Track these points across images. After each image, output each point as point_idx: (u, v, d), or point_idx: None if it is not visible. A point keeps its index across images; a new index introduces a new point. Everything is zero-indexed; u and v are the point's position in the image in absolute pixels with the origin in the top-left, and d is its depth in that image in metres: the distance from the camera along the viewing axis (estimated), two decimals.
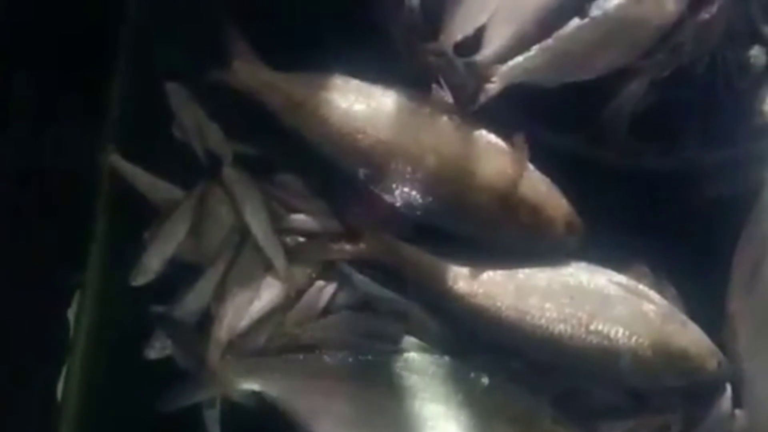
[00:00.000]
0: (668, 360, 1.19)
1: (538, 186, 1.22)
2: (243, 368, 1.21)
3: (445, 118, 1.21)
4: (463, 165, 1.20)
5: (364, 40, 1.24)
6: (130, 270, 1.25)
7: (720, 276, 1.24)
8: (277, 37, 1.27)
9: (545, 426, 1.18)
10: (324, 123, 1.22)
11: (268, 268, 1.25)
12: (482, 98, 1.17)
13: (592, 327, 1.18)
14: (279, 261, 1.24)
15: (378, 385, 1.20)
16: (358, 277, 1.23)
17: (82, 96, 1.32)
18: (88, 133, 1.32)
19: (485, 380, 1.19)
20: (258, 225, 1.25)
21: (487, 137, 1.22)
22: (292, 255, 1.25)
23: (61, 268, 1.30)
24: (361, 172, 1.21)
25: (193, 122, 1.29)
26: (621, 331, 1.18)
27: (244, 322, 1.23)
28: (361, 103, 1.22)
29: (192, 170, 1.29)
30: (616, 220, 1.21)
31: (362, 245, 1.22)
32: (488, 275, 1.21)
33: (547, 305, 1.19)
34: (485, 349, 1.22)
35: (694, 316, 1.22)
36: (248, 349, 1.23)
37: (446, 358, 1.20)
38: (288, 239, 1.26)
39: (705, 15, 1.18)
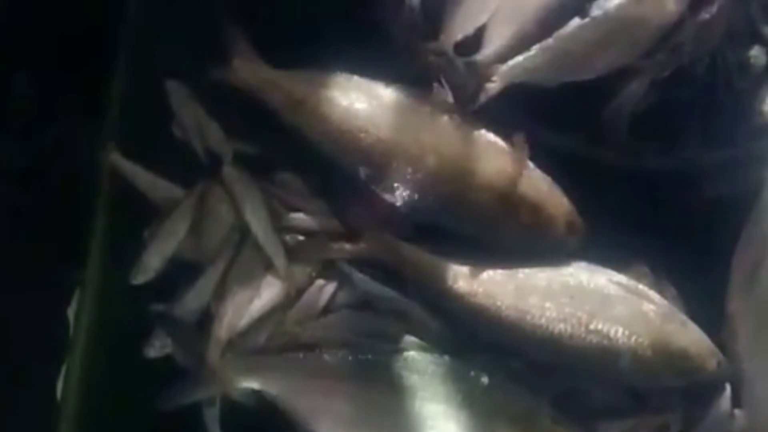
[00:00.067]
0: (668, 360, 1.19)
1: (538, 185, 1.22)
2: (243, 367, 1.21)
3: (445, 117, 1.21)
4: (464, 164, 1.20)
5: (365, 39, 1.24)
6: (130, 269, 1.25)
7: (720, 276, 1.24)
8: (278, 35, 1.27)
9: (545, 426, 1.18)
10: (324, 121, 1.22)
11: (268, 266, 1.25)
12: (482, 98, 1.17)
13: (591, 327, 1.18)
14: (279, 260, 1.24)
15: (378, 384, 1.19)
16: (359, 276, 1.23)
17: (82, 96, 1.32)
18: (88, 133, 1.32)
19: (485, 380, 1.19)
20: (258, 224, 1.25)
21: (488, 136, 1.22)
22: (292, 254, 1.25)
23: (61, 267, 1.30)
24: (362, 171, 1.21)
25: (193, 121, 1.29)
26: (621, 330, 1.18)
27: (244, 321, 1.23)
28: (361, 102, 1.22)
29: (192, 169, 1.29)
30: (616, 220, 1.21)
31: (362, 244, 1.22)
32: (488, 275, 1.21)
33: (547, 305, 1.19)
34: (485, 349, 1.21)
35: (694, 316, 1.22)
36: (248, 347, 1.23)
37: (446, 357, 1.20)
38: (288, 238, 1.26)
39: (705, 15, 1.18)
